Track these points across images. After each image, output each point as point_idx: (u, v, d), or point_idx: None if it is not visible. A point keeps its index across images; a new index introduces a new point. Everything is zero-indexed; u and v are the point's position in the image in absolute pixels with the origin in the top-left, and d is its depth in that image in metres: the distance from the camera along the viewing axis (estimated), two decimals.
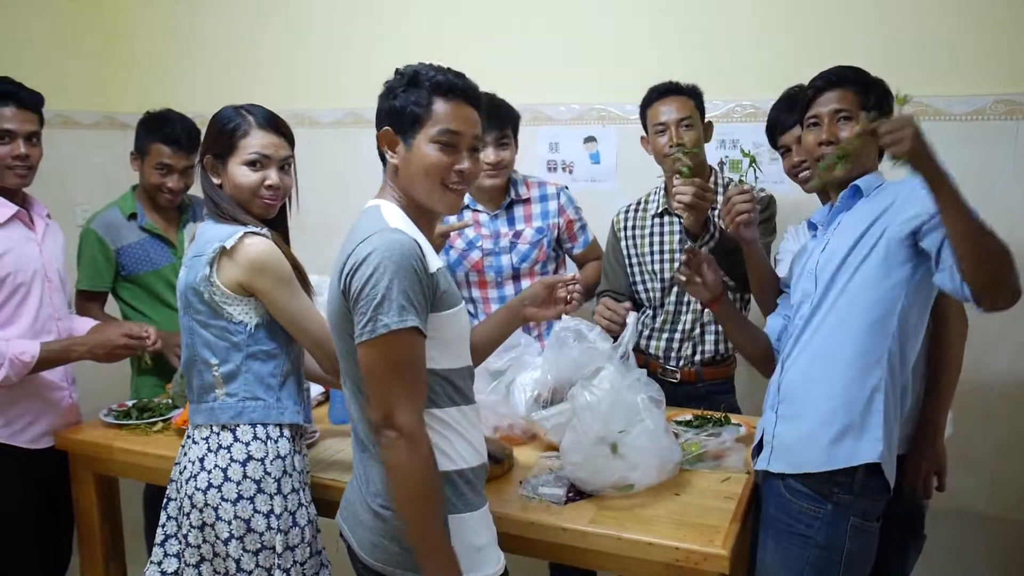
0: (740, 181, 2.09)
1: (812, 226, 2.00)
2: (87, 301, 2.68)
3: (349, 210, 3.48)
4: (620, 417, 1.92)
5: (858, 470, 1.74)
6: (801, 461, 1.78)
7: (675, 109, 2.46)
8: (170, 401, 2.51)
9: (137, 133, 2.68)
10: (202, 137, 2.00)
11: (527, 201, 2.71)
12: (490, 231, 2.67)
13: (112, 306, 2.77)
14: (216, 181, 1.92)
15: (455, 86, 1.61)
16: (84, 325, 2.49)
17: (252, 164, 1.89)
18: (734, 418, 2.31)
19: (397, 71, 1.65)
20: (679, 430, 2.17)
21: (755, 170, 2.07)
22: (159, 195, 2.67)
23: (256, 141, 1.89)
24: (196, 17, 3.84)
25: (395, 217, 1.61)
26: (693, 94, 2.51)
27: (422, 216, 1.66)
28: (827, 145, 1.87)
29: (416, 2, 3.41)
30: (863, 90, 1.87)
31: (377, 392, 1.54)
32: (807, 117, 1.94)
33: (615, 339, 2.17)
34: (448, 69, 1.63)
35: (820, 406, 1.78)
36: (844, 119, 1.87)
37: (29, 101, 2.31)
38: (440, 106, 1.59)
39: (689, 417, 2.30)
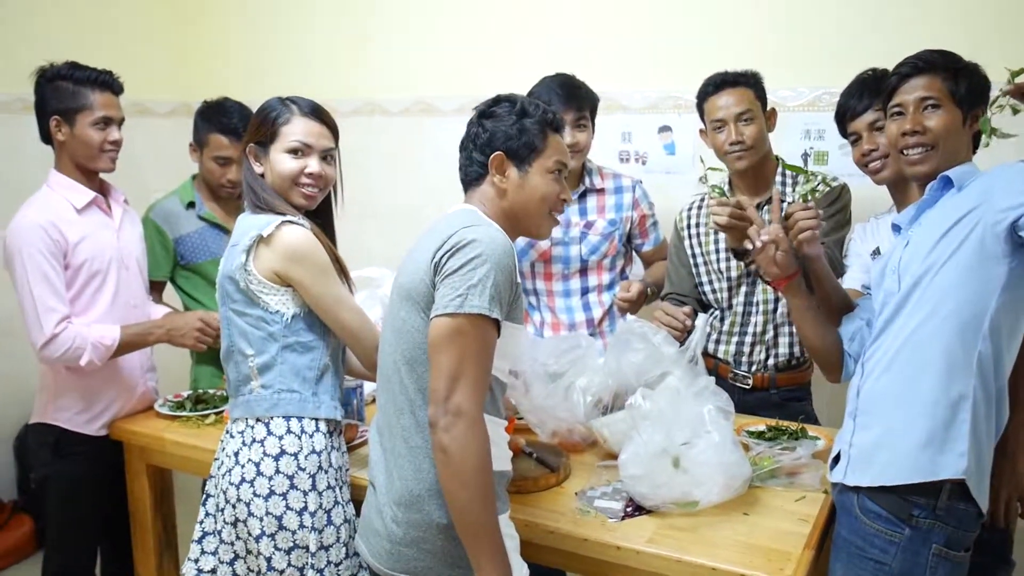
0: (804, 198, 1.93)
1: (896, 227, 1.81)
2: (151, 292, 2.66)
3: (418, 198, 3.54)
4: (684, 428, 1.78)
5: (941, 490, 1.55)
6: (878, 473, 1.60)
7: (733, 103, 2.30)
8: (225, 393, 2.47)
9: (195, 123, 2.66)
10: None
11: (601, 191, 2.59)
12: (561, 219, 2.54)
13: (172, 297, 2.75)
14: (259, 170, 1.88)
15: (561, 124, 1.74)
16: (161, 312, 2.49)
17: (294, 152, 1.86)
18: (811, 430, 2.14)
19: (500, 98, 1.72)
20: (750, 442, 2.01)
21: (814, 187, 1.95)
22: (220, 187, 2.66)
23: (298, 128, 1.86)
24: (273, 5, 3.82)
25: (493, 223, 1.65)
26: (751, 83, 2.34)
27: (512, 236, 1.69)
28: (912, 135, 1.70)
29: None
30: (953, 77, 1.70)
31: (445, 368, 1.50)
32: (891, 106, 1.77)
33: (681, 344, 2.03)
34: (548, 106, 1.74)
35: (900, 413, 1.60)
36: (932, 107, 1.70)
37: (120, 89, 2.34)
38: (553, 140, 1.69)
39: (762, 427, 2.13)
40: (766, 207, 2.36)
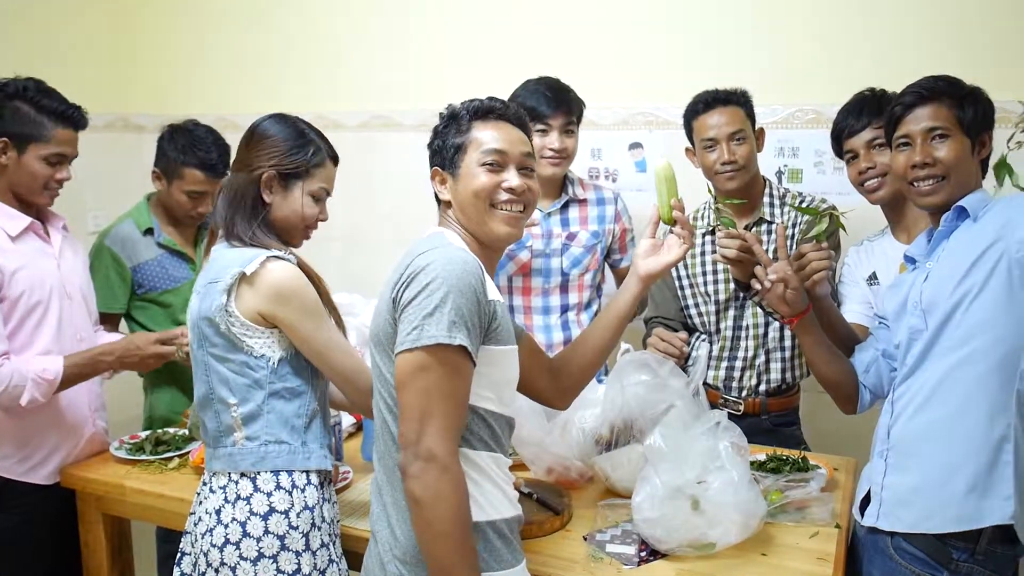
0: (817, 239, 1.90)
1: (910, 260, 1.77)
2: (102, 323, 2.45)
3: (375, 218, 3.39)
4: (695, 466, 1.70)
5: (983, 532, 1.51)
6: (916, 519, 1.55)
7: (724, 122, 2.24)
8: (187, 432, 2.30)
9: (163, 151, 2.46)
10: (247, 144, 1.78)
11: (583, 202, 2.51)
12: (542, 230, 2.46)
13: (124, 330, 2.55)
14: (268, 199, 1.72)
15: (492, 108, 1.60)
16: (110, 340, 2.28)
17: (316, 197, 1.76)
18: (812, 458, 2.08)
19: (440, 114, 1.64)
20: (756, 475, 1.94)
21: (824, 228, 1.93)
22: (187, 219, 2.50)
23: (327, 174, 1.79)
24: (212, 14, 3.62)
25: (459, 242, 1.56)
26: (742, 101, 2.29)
27: (483, 251, 1.59)
28: (922, 167, 1.66)
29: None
30: (959, 104, 1.67)
31: (408, 411, 1.39)
32: (896, 137, 1.73)
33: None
34: (488, 97, 1.62)
35: (938, 457, 1.55)
36: (940, 137, 1.67)
37: (83, 125, 2.18)
38: (479, 132, 1.58)
39: (762, 457, 2.07)
40: (753, 228, 2.31)
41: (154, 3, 3.70)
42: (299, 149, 1.73)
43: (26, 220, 2.12)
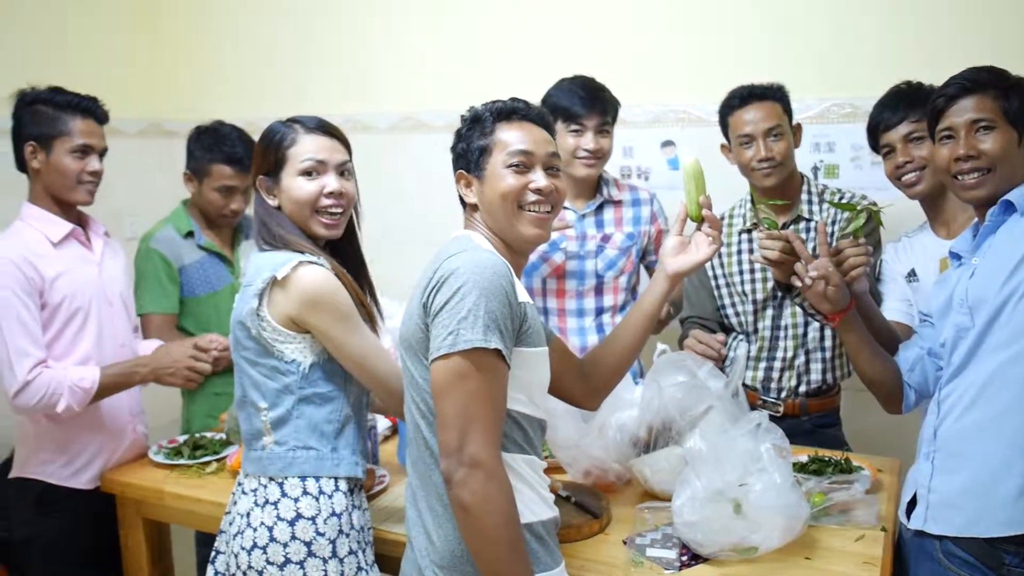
0: (855, 235, 1.86)
1: (955, 256, 1.73)
2: (155, 325, 2.47)
3: (406, 219, 3.38)
4: (736, 468, 1.67)
5: None
6: (966, 523, 1.51)
7: (761, 117, 2.21)
8: (224, 436, 2.31)
9: (191, 151, 2.50)
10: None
11: (619, 203, 2.48)
12: (576, 232, 2.43)
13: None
14: (273, 203, 1.72)
15: (516, 108, 1.58)
16: (150, 349, 2.30)
17: (307, 173, 1.70)
18: (855, 459, 2.04)
19: (462, 117, 1.62)
20: (798, 477, 1.91)
21: (861, 224, 1.88)
22: (221, 218, 2.52)
23: (307, 147, 1.71)
24: (241, 19, 3.64)
25: (486, 245, 1.55)
26: (779, 96, 2.25)
27: (510, 254, 1.57)
28: (966, 160, 1.62)
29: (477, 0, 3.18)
30: (1004, 95, 1.63)
31: (449, 418, 1.37)
32: (939, 130, 1.69)
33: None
34: (511, 98, 1.59)
35: (988, 458, 1.51)
36: (985, 129, 1.62)
37: (103, 116, 2.18)
38: (504, 133, 1.56)
39: (804, 459, 2.03)
40: (791, 226, 2.28)
41: (184, 9, 3.73)
42: (270, 142, 1.72)
43: (68, 226, 2.14)
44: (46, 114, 2.09)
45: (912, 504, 1.64)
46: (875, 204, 2.10)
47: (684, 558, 1.66)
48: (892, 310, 2.09)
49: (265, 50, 3.61)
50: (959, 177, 1.65)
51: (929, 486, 1.59)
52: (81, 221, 2.22)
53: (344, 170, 1.75)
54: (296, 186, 1.70)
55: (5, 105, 2.14)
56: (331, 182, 1.71)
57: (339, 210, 1.73)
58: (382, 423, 2.32)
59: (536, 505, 1.50)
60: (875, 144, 2.18)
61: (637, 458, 1.90)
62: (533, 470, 1.53)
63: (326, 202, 1.71)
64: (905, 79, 2.18)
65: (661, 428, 1.89)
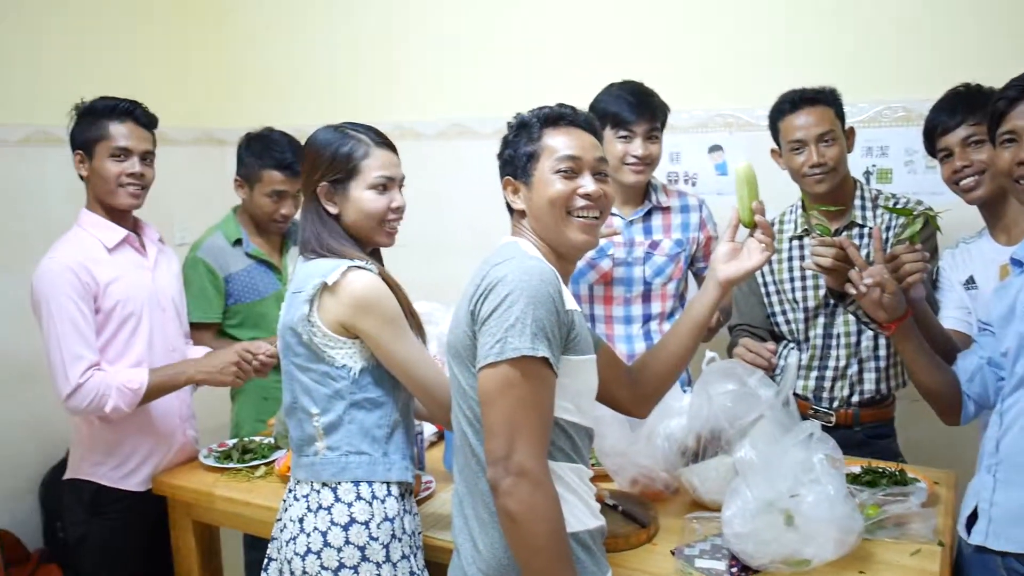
0: (911, 240, 1.82)
1: (1016, 263, 1.67)
2: (197, 333, 2.51)
3: (455, 225, 3.40)
4: (789, 478, 1.63)
5: None
6: None
7: (813, 122, 2.16)
8: (272, 440, 2.33)
9: (241, 158, 2.54)
10: (301, 164, 1.83)
11: (667, 210, 2.45)
12: (624, 238, 2.41)
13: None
14: (333, 211, 1.72)
15: (563, 114, 1.57)
16: (200, 354, 2.33)
17: (377, 187, 1.72)
18: (910, 471, 1.99)
19: (508, 123, 1.62)
20: (851, 489, 1.86)
21: (917, 230, 1.84)
22: (272, 224, 2.56)
23: (379, 162, 1.73)
24: (292, 29, 3.69)
25: (534, 251, 1.54)
26: (831, 100, 2.21)
27: (558, 260, 1.56)
28: None
29: (523, 6, 3.18)
30: None
31: (496, 426, 1.37)
32: (1000, 133, 1.64)
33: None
34: (557, 103, 1.59)
35: None
36: None
37: (145, 120, 2.21)
38: (551, 139, 1.55)
39: (857, 470, 1.99)
40: (844, 232, 2.23)
41: (236, 18, 3.80)
42: (338, 151, 1.72)
43: (122, 232, 2.18)
44: (88, 122, 2.15)
45: (972, 518, 1.59)
46: (931, 209, 2.05)
47: (734, 570, 1.63)
48: (950, 318, 2.04)
49: (314, 59, 3.66)
50: (1022, 182, 1.60)
51: (991, 500, 1.54)
52: (136, 227, 2.26)
53: (402, 184, 1.79)
54: (367, 199, 1.71)
55: (51, 113, 2.20)
56: (398, 198, 1.75)
57: (398, 223, 1.77)
58: (428, 429, 2.33)
59: (583, 514, 1.49)
60: (931, 148, 2.13)
61: (686, 467, 1.88)
62: (580, 479, 1.51)
63: (391, 216, 1.74)
64: (961, 81, 2.13)
65: (710, 437, 1.86)
